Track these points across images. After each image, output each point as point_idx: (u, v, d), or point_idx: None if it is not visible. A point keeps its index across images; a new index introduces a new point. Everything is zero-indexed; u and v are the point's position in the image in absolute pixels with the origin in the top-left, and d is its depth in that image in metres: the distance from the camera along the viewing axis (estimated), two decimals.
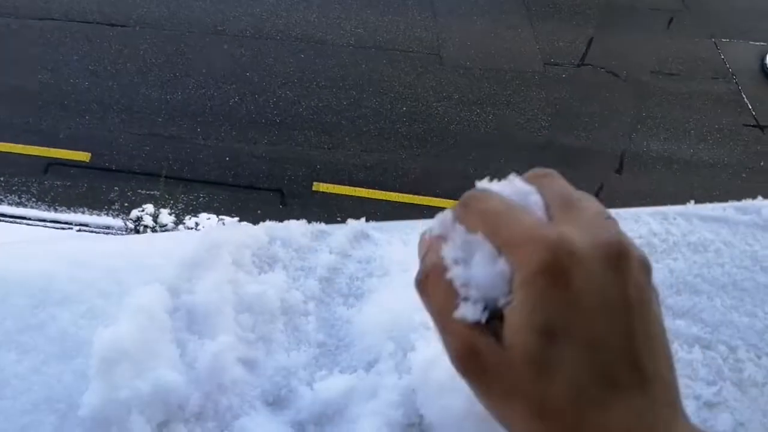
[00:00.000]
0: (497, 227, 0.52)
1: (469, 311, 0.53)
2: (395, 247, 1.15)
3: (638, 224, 1.23)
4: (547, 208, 0.56)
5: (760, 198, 1.33)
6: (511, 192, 0.60)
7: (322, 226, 1.15)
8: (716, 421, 1.03)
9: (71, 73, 8.19)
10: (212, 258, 0.99)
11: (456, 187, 7.67)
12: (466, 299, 0.54)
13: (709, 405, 1.05)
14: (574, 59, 9.50)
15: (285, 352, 0.99)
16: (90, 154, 7.49)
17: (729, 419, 1.03)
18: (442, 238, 0.60)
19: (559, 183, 0.59)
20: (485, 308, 0.53)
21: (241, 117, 8.03)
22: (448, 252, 0.58)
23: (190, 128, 7.87)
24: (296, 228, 1.13)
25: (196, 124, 7.94)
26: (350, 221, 1.16)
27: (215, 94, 8.29)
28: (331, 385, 0.94)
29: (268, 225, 1.11)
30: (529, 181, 0.60)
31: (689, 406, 1.04)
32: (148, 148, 7.60)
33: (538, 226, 0.52)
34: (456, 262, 0.57)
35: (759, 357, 1.11)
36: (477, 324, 0.52)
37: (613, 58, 9.59)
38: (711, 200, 1.37)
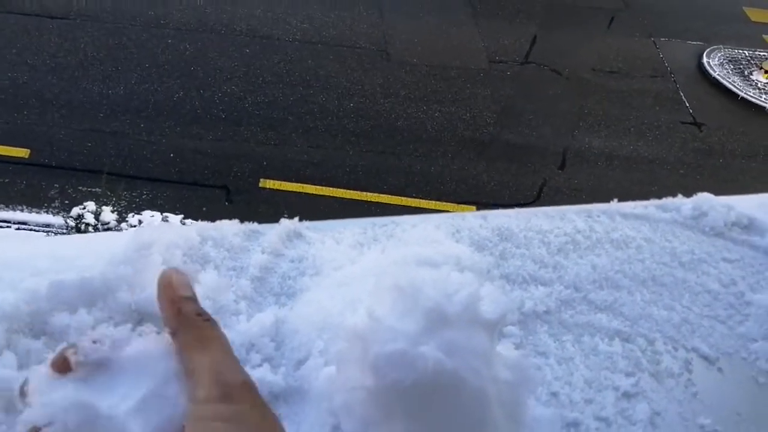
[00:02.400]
0: None
1: None
2: (328, 246, 1.17)
3: (564, 222, 1.27)
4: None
5: (680, 196, 1.38)
6: None
7: (255, 225, 1.16)
8: (634, 410, 1.08)
9: (8, 66, 7.96)
10: (142, 258, 0.99)
11: (403, 183, 7.70)
12: None
13: (628, 395, 1.09)
14: (518, 57, 9.63)
15: None
16: (29, 151, 7.30)
17: (646, 409, 1.08)
18: None
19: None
20: None
21: (185, 112, 7.93)
22: None
23: (132, 124, 7.74)
24: (228, 228, 1.13)
25: (139, 119, 7.80)
26: (283, 220, 1.17)
27: (159, 88, 8.17)
28: (261, 381, 0.95)
29: (200, 225, 1.11)
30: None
31: (608, 397, 1.08)
32: (89, 144, 7.44)
33: None
34: None
35: (676, 349, 1.16)
36: None
37: (556, 56, 9.75)
38: (650, 196, 1.42)
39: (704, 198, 1.31)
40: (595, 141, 8.56)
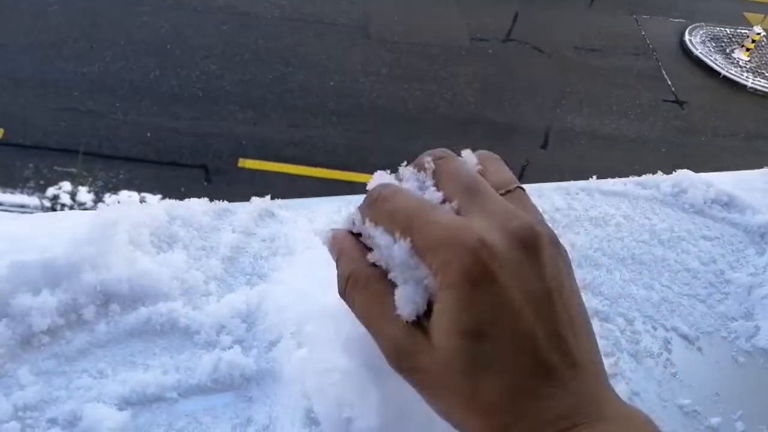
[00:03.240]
0: (410, 229, 0.52)
1: (399, 311, 0.54)
2: (300, 225, 1.14)
3: (542, 199, 1.25)
4: (449, 197, 0.56)
5: (660, 173, 1.36)
6: (412, 184, 0.60)
7: (225, 204, 1.13)
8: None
9: None
10: (106, 238, 0.95)
11: (385, 162, 7.66)
12: (392, 301, 0.55)
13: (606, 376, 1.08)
14: (499, 35, 9.59)
15: (184, 333, 0.97)
16: (3, 130, 7.18)
17: (625, 389, 1.07)
18: (354, 240, 0.60)
19: (455, 165, 0.59)
20: (412, 309, 0.53)
21: (162, 91, 7.83)
22: (366, 256, 0.58)
23: (108, 103, 7.63)
24: (197, 206, 1.10)
25: (115, 98, 7.69)
26: (254, 199, 1.14)
27: (135, 67, 8.05)
28: (232, 364, 0.93)
29: (168, 203, 1.08)
30: (424, 165, 0.60)
31: None
32: (64, 123, 7.33)
33: (452, 226, 0.51)
34: (374, 264, 0.58)
35: (655, 328, 1.14)
36: (407, 324, 0.53)
37: (538, 33, 9.73)
38: (632, 174, 1.40)
39: (684, 175, 1.29)
40: (578, 119, 8.56)
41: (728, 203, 1.33)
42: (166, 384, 0.92)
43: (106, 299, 0.93)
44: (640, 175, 1.33)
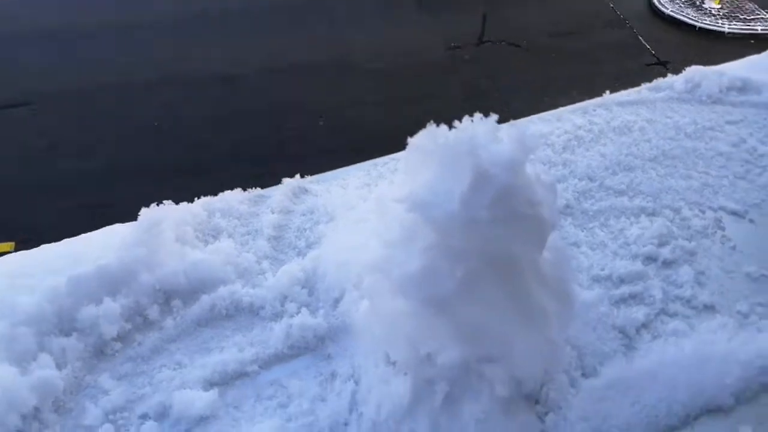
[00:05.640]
0: None
1: None
2: (335, 194, 1.15)
3: (561, 122, 1.26)
4: None
5: (670, 75, 1.36)
6: None
7: (258, 191, 1.14)
8: (678, 275, 1.06)
9: None
10: (153, 238, 0.96)
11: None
12: None
13: (667, 263, 1.08)
14: (473, 38, 9.64)
15: (249, 311, 0.98)
16: (13, 243, 7.25)
17: (689, 271, 1.06)
18: None
19: None
20: None
21: (163, 168, 7.88)
22: None
23: (115, 192, 7.68)
24: (233, 197, 1.11)
25: (122, 185, 7.74)
26: (285, 179, 1.15)
27: (137, 151, 8.10)
28: (303, 327, 0.93)
29: (204, 200, 1.09)
30: None
31: (650, 270, 1.06)
32: (76, 220, 7.36)
33: None
34: None
35: (703, 212, 1.14)
36: None
37: (510, 29, 9.77)
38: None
39: (695, 70, 1.30)
40: (567, 102, 8.57)
41: (743, 87, 1.33)
42: (245, 360, 0.93)
43: (167, 296, 0.94)
44: None
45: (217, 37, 9.52)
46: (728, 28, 9.58)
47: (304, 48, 9.39)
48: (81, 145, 8.08)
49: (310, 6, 10.25)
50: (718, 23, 9.67)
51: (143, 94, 8.67)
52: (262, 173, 7.64)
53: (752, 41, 9.39)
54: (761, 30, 9.42)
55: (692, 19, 9.78)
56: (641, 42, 9.39)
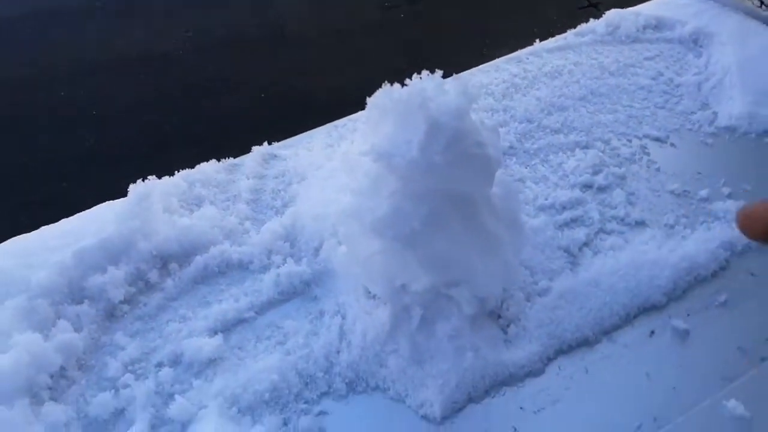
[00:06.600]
0: None
1: None
2: (302, 156, 1.27)
3: (499, 72, 1.39)
4: None
5: (592, 20, 1.51)
6: None
7: (232, 160, 1.25)
8: (612, 198, 1.21)
9: None
10: (144, 210, 1.07)
11: None
12: None
13: (602, 188, 1.22)
14: None
15: (239, 266, 1.10)
16: None
17: (621, 193, 1.21)
18: None
19: None
20: None
21: (108, 156, 7.80)
22: None
23: (57, 188, 7.59)
24: (209, 168, 1.23)
25: (62, 181, 7.66)
26: (255, 148, 1.26)
27: (70, 143, 8.00)
28: (290, 275, 1.05)
29: (184, 173, 1.20)
30: None
31: (587, 195, 1.20)
32: (22, 218, 7.28)
33: None
34: None
35: (630, 141, 1.29)
36: None
37: None
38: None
39: (614, 13, 1.44)
40: (505, 53, 8.73)
41: (658, 25, 1.48)
42: (242, 308, 1.05)
43: (164, 260, 1.06)
44: None
45: (138, 16, 9.36)
46: None
47: (232, 21, 9.32)
48: (16, 141, 7.92)
49: None
50: None
51: (73, 84, 8.51)
52: (198, 152, 7.61)
53: None
54: None
55: None
56: None
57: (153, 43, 8.32)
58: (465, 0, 8.79)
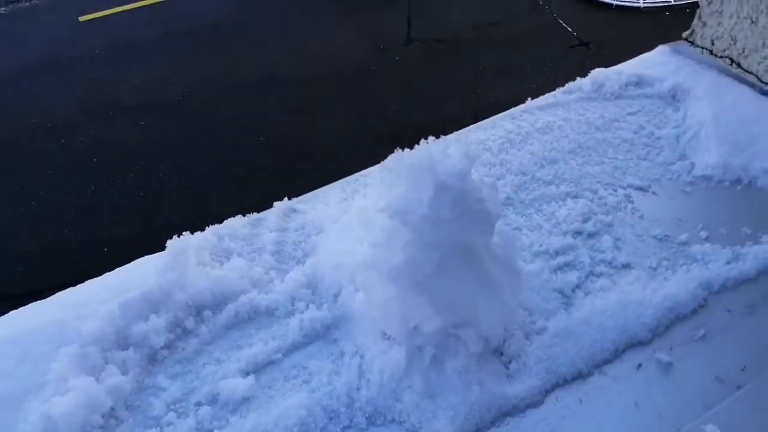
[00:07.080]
0: None
1: None
2: (319, 210, 1.40)
3: (495, 128, 1.53)
4: None
5: (578, 79, 1.65)
6: None
7: (255, 215, 1.38)
8: (600, 243, 1.34)
9: None
10: (181, 264, 1.20)
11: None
12: None
13: (591, 234, 1.35)
14: (400, 39, 9.91)
15: (266, 313, 1.22)
16: None
17: (609, 239, 1.34)
18: None
19: None
20: None
21: (103, 204, 7.84)
22: None
23: (58, 235, 7.62)
24: (235, 223, 1.35)
25: (60, 227, 7.70)
26: (276, 203, 1.40)
27: (70, 191, 8.03)
28: (313, 320, 1.17)
29: (213, 228, 1.33)
30: None
31: (578, 241, 1.33)
32: (22, 268, 7.32)
33: None
34: None
35: (615, 190, 1.42)
36: None
37: (435, 26, 10.08)
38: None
39: (598, 72, 1.58)
40: (499, 93, 8.89)
41: (639, 82, 1.62)
42: (270, 350, 1.17)
43: (198, 309, 1.18)
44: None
45: (138, 65, 9.50)
46: (644, 2, 10.06)
47: (234, 68, 9.47)
48: (14, 191, 7.91)
49: (231, 27, 10.33)
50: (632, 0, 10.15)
51: (72, 131, 8.56)
52: (198, 196, 7.64)
53: (667, 13, 9.90)
54: (674, 1, 9.93)
55: None
56: (562, 25, 9.81)
57: (153, 91, 8.43)
58: (457, 39, 9.01)
